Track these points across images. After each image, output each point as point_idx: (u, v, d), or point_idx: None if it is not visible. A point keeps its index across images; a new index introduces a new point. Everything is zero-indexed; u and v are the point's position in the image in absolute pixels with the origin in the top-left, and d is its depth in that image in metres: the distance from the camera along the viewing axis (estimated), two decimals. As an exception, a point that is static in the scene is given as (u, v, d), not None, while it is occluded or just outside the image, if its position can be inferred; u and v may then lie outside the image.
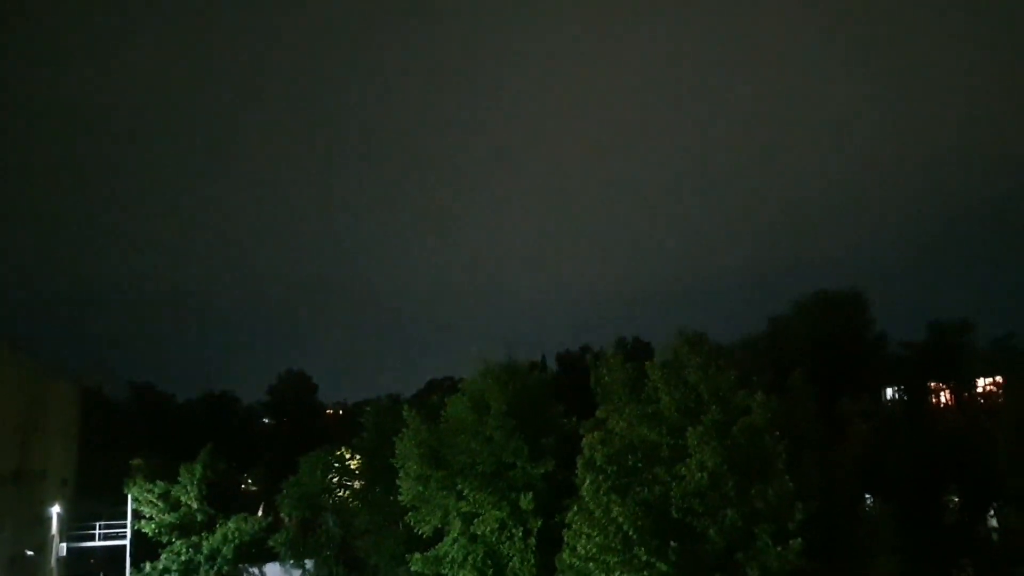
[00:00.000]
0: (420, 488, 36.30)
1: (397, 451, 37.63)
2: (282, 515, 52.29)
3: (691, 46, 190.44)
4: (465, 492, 34.63)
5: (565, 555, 26.16)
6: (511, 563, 34.34)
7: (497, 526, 34.32)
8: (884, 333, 42.12)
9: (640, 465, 25.17)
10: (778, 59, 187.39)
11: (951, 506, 37.27)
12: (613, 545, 23.49)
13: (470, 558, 34.83)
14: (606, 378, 30.33)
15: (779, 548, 22.02)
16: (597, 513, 24.37)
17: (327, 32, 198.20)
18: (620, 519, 23.29)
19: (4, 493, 36.91)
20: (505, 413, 35.15)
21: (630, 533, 23.11)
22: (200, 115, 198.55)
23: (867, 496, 32.83)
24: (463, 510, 35.01)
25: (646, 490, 24.20)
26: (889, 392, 46.10)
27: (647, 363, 27.84)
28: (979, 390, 43.58)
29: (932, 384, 43.86)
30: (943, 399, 44.28)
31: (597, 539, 23.90)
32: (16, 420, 39.17)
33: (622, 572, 23.42)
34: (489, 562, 34.72)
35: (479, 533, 34.61)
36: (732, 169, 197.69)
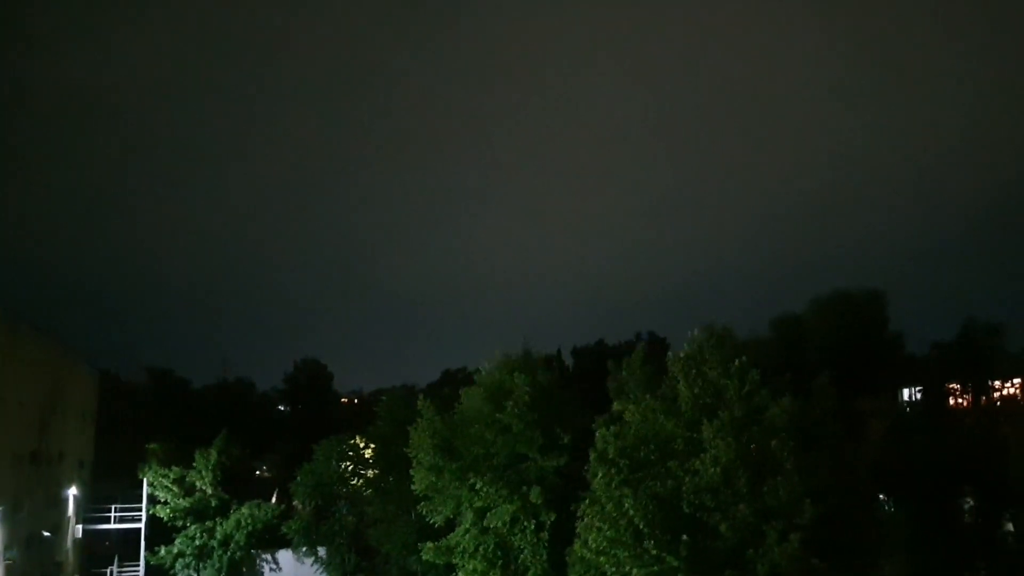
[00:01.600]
0: (433, 479, 36.42)
1: (411, 441, 37.75)
2: (295, 502, 52.54)
3: (704, 43, 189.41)
4: (478, 486, 34.71)
5: (576, 548, 26.17)
6: (522, 556, 34.43)
7: (509, 519, 34.40)
8: (901, 333, 41.81)
9: (653, 458, 25.10)
10: (793, 53, 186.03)
11: (967, 508, 36.94)
12: (624, 539, 23.44)
13: (481, 548, 34.97)
14: (625, 377, 30.30)
15: (782, 545, 21.93)
16: (608, 507, 24.33)
17: (348, 22, 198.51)
18: (631, 512, 23.25)
19: (22, 473, 37.29)
20: (527, 404, 35.14)
21: (641, 527, 23.07)
22: (219, 104, 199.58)
23: (882, 496, 32.60)
24: (476, 505, 35.11)
25: (658, 484, 24.13)
26: (906, 393, 45.76)
27: (668, 355, 27.71)
28: (1002, 393, 43.17)
29: (951, 385, 43.50)
30: (962, 401, 43.87)
31: (608, 532, 23.88)
32: (36, 402, 39.56)
33: (632, 566, 23.38)
34: (499, 553, 34.84)
35: (491, 526, 34.71)
36: (747, 165, 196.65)
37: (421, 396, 40.07)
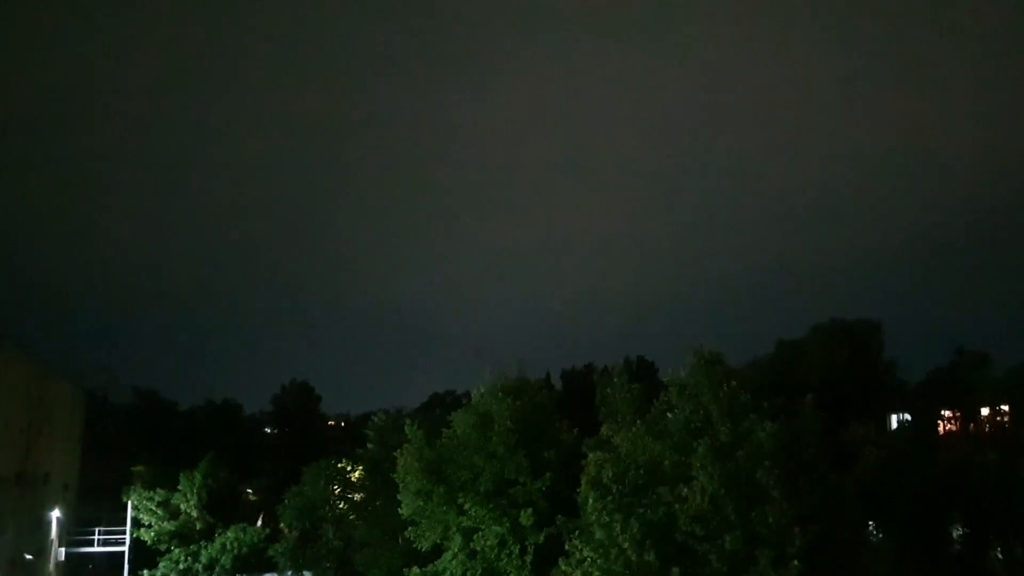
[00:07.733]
0: (421, 503, 36.17)
1: (399, 466, 37.49)
2: (282, 525, 52.16)
3: (694, 58, 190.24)
4: (466, 507, 34.51)
5: (564, 568, 25.93)
6: (507, 579, 34.19)
7: (497, 542, 34.17)
8: (894, 361, 42.25)
9: (642, 483, 24.97)
10: (787, 64, 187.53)
11: (956, 536, 36.89)
12: (615, 568, 23.28)
13: (468, 573, 34.66)
14: (612, 396, 30.22)
15: (779, 571, 21.84)
16: (599, 535, 24.17)
17: (329, 34, 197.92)
18: (624, 544, 23.11)
19: (6, 495, 36.88)
20: (510, 429, 35.05)
21: (632, 557, 22.93)
22: (206, 121, 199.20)
23: (871, 524, 32.52)
24: (464, 525, 34.86)
25: (649, 511, 23.99)
26: (895, 419, 45.94)
27: (666, 377, 27.55)
28: (990, 420, 43.36)
29: (942, 412, 43.70)
30: (951, 427, 44.02)
31: (599, 562, 23.71)
32: (21, 423, 39.20)
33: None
34: (487, 578, 34.56)
35: (479, 549, 34.45)
36: (739, 179, 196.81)
37: (408, 420, 39.86)
